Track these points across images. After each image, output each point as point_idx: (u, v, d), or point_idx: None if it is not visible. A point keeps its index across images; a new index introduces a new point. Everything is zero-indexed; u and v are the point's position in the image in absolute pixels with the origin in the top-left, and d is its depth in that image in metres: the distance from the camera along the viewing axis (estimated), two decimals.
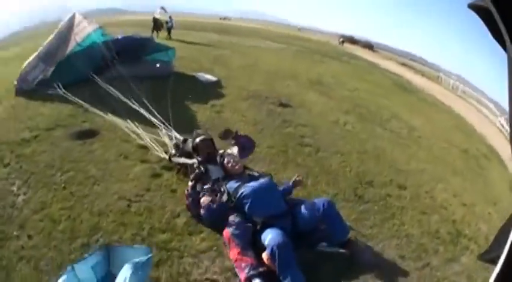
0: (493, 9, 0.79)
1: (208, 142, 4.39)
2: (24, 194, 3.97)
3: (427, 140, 9.25)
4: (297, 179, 3.92)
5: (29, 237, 3.28)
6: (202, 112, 7.16)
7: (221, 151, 4.36)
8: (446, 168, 7.28)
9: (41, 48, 7.87)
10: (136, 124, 5.53)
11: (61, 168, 4.53)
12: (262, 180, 3.56)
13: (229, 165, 3.93)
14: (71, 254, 3.03)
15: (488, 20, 0.83)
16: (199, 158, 4.22)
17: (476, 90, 24.73)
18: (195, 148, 4.33)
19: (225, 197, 3.55)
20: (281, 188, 3.75)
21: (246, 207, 3.32)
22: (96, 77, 7.00)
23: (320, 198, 3.61)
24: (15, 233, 3.32)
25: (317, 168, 5.38)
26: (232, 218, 3.32)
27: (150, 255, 2.41)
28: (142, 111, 5.85)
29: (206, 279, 3.05)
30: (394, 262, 3.60)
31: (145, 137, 5.19)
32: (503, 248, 0.85)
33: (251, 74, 11.45)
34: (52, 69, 7.59)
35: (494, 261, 0.93)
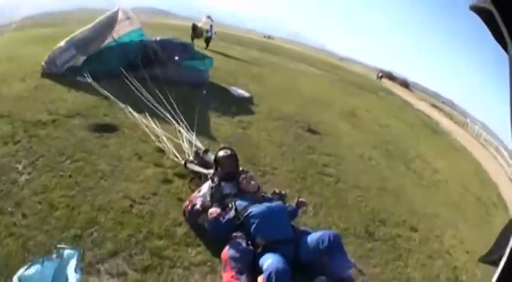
0: (494, 11, 0.82)
1: (233, 159, 4.32)
2: (29, 174, 4.08)
3: (447, 184, 9.22)
4: (300, 199, 3.95)
5: (24, 216, 3.37)
6: (227, 126, 7.26)
7: (244, 169, 4.36)
8: (458, 215, 7.27)
9: (74, 34, 8.20)
10: (158, 125, 5.66)
11: (71, 157, 4.62)
12: (273, 203, 3.64)
13: (244, 182, 3.94)
14: (62, 242, 3.00)
15: (489, 21, 0.85)
16: (218, 171, 4.23)
17: (496, 138, 25.08)
18: (217, 161, 4.26)
19: (232, 213, 3.53)
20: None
21: (252, 227, 3.36)
22: (127, 74, 7.16)
23: (328, 230, 3.58)
24: (10, 209, 3.42)
25: (333, 199, 5.34)
26: (235, 238, 3.32)
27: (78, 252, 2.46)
28: (167, 114, 5.98)
29: None
30: None
31: (164, 139, 5.28)
32: (504, 249, 0.86)
33: (286, 96, 11.65)
34: (84, 58, 7.93)
35: (495, 263, 0.95)
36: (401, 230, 5.12)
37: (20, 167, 4.17)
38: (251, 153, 6.17)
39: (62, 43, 7.92)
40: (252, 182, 3.95)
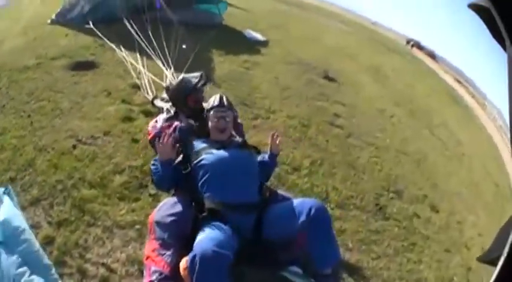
0: (493, 9, 0.77)
1: (201, 92, 3.01)
2: None
3: (470, 159, 7.22)
4: (275, 136, 2.42)
5: None
6: (227, 64, 6.18)
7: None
8: (479, 198, 5.51)
9: None
10: (145, 63, 4.64)
11: (38, 97, 3.99)
12: (234, 151, 2.26)
13: (213, 124, 2.42)
14: None
15: (488, 20, 0.80)
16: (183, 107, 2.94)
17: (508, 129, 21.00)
18: (182, 92, 2.98)
19: (179, 157, 2.31)
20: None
21: (200, 181, 2.12)
22: (132, 17, 6.12)
23: (310, 199, 2.14)
24: None
25: (339, 156, 4.14)
26: (174, 195, 2.23)
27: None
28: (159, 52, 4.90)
29: (102, 264, 2.13)
30: None
31: (144, 76, 4.30)
32: (503, 248, 0.82)
33: (307, 44, 9.92)
34: (89, 6, 7.12)
35: (494, 263, 0.88)
36: (420, 208, 3.71)
37: None
38: (246, 93, 5.13)
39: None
40: (224, 129, 2.41)
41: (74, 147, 3.13)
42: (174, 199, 2.11)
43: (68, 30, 6.38)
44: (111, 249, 2.22)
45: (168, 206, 2.04)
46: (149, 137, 2.68)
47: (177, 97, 2.94)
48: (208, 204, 2.00)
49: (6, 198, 2.20)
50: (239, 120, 2.97)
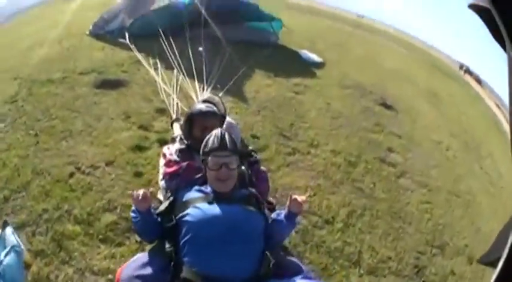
0: (493, 10, 0.83)
1: (210, 117, 2.87)
2: (6, 132, 4.02)
3: (507, 193, 6.56)
4: (293, 197, 2.19)
5: None
6: (275, 87, 6.41)
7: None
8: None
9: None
10: (179, 82, 4.91)
11: (52, 115, 4.41)
12: (232, 208, 2.13)
13: (212, 173, 2.24)
14: None
15: (488, 20, 0.87)
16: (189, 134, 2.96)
17: None
18: (188, 118, 2.94)
19: (164, 205, 2.29)
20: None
21: (181, 240, 2.05)
22: (176, 34, 6.50)
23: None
24: None
25: (385, 203, 4.01)
26: (143, 255, 2.09)
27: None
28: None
29: None
30: None
31: (174, 98, 4.44)
32: (503, 250, 0.87)
33: (365, 65, 10.19)
34: (131, 21, 7.81)
35: (493, 264, 1.00)
36: (457, 263, 3.53)
37: (2, 125, 4.10)
38: (289, 122, 5.20)
39: (111, 8, 8.11)
40: (225, 180, 2.22)
41: (71, 175, 3.38)
42: (148, 256, 2.03)
43: (106, 44, 7.03)
44: None
45: (138, 264, 1.95)
46: (168, 170, 2.64)
47: (184, 125, 2.98)
48: (185, 272, 1.92)
49: (12, 256, 2.24)
50: (262, 168, 2.87)
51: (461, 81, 17.67)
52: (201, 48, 5.58)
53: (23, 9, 9.62)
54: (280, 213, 2.26)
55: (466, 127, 9.09)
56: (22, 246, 2.36)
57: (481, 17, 0.90)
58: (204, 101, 3.17)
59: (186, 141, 2.91)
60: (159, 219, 2.18)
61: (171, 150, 2.80)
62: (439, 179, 5.10)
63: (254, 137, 4.54)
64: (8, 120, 4.20)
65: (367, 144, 5.25)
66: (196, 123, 2.82)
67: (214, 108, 2.95)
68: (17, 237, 2.35)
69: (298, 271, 2.02)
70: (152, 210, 2.16)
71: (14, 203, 2.97)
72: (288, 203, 2.19)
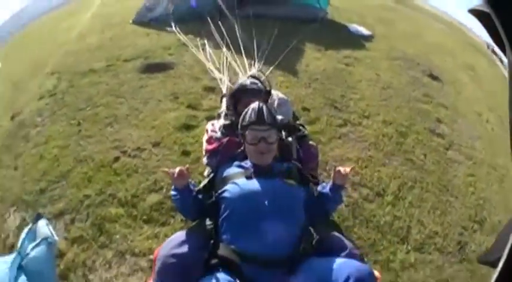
0: (493, 14, 0.84)
1: (253, 93, 2.65)
2: (43, 126, 4.02)
3: None
4: (337, 169, 2.03)
5: (15, 168, 3.37)
6: (325, 60, 6.17)
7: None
8: None
9: None
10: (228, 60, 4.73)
11: (96, 103, 4.34)
12: (271, 183, 1.97)
13: (251, 147, 2.08)
14: (30, 194, 2.95)
15: (489, 25, 0.88)
16: (233, 113, 2.76)
17: None
18: (232, 94, 2.77)
19: (203, 183, 2.18)
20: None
21: (220, 217, 1.92)
22: (221, 14, 6.33)
23: (356, 263, 1.67)
24: (8, 162, 3.48)
25: (435, 175, 3.79)
26: (182, 233, 1.91)
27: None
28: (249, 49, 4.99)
29: None
30: None
31: (225, 74, 4.25)
32: (503, 250, 0.87)
33: (412, 39, 9.98)
34: (174, 4, 7.66)
35: (493, 265, 1.00)
36: (491, 241, 3.23)
37: (39, 120, 4.11)
38: (340, 94, 5.01)
39: None
40: (264, 152, 2.06)
41: (116, 159, 3.25)
42: (187, 234, 1.87)
43: (150, 30, 6.95)
44: (115, 276, 2.28)
45: (176, 242, 1.81)
46: (208, 147, 2.50)
47: (228, 101, 2.82)
48: (221, 249, 1.79)
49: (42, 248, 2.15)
50: (311, 142, 2.64)
51: (491, 60, 17.50)
52: (205, 42, 5.32)
53: (51, 6, 9.86)
54: (325, 186, 2.11)
55: (499, 103, 8.59)
56: (55, 237, 2.19)
57: (481, 21, 0.93)
58: (249, 77, 2.98)
59: (230, 117, 2.72)
60: (199, 196, 2.04)
61: (214, 127, 2.64)
62: (482, 152, 4.93)
63: (305, 109, 4.37)
64: (45, 114, 4.18)
65: (417, 115, 5.06)
66: (240, 99, 2.65)
67: (259, 84, 2.77)
68: (51, 229, 2.20)
69: (342, 248, 1.87)
70: (192, 187, 2.02)
71: (52, 193, 2.91)
72: (332, 174, 2.06)
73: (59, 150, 3.42)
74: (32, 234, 2.17)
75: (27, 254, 1.98)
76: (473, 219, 3.40)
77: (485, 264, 2.94)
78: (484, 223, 3.45)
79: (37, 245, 2.05)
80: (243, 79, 2.94)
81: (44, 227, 2.22)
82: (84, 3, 9.87)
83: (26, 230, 2.19)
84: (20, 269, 1.94)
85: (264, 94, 2.73)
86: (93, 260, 2.34)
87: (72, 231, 2.54)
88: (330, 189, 2.05)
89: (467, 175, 4.12)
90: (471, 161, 4.45)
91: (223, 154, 2.30)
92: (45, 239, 2.11)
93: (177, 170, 1.93)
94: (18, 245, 2.10)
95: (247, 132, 2.09)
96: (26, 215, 2.74)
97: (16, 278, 1.92)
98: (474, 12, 0.94)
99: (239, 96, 2.68)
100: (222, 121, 2.75)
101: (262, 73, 3.22)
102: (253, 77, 2.94)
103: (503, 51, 0.88)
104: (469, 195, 3.76)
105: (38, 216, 2.32)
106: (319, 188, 2.12)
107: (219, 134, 2.53)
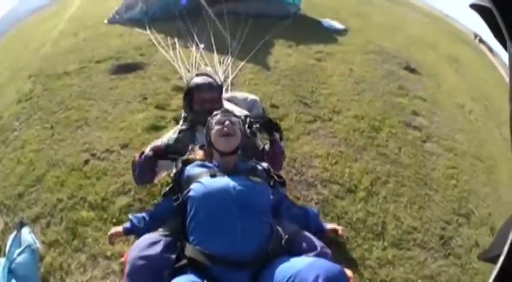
0: (494, 9, 0.87)
1: (207, 90, 2.79)
2: (20, 130, 4.09)
3: None
4: (336, 229, 2.40)
5: None
6: (295, 56, 6.21)
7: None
8: None
9: None
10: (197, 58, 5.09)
11: (67, 106, 4.43)
12: (236, 180, 1.99)
13: (215, 132, 2.18)
14: (8, 200, 3.01)
15: (489, 20, 0.91)
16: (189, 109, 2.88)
17: None
18: (186, 93, 2.85)
19: (169, 186, 2.26)
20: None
21: (187, 218, 1.93)
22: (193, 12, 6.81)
23: (323, 262, 1.67)
24: None
25: (411, 169, 3.77)
26: (150, 236, 1.93)
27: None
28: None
29: None
30: None
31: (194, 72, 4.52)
32: (503, 247, 0.90)
33: (389, 32, 9.98)
34: (149, 4, 7.81)
35: (493, 261, 0.98)
36: (482, 232, 3.28)
37: (17, 124, 4.19)
38: (310, 90, 5.02)
39: None
40: (228, 138, 2.15)
41: (86, 162, 3.35)
42: (155, 236, 1.90)
43: (123, 30, 7.01)
44: (89, 279, 2.33)
45: (145, 244, 1.84)
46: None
47: (183, 100, 2.88)
48: (189, 251, 1.79)
49: (26, 255, 2.26)
50: (281, 143, 2.61)
51: (478, 50, 17.60)
52: (202, 45, 5.60)
53: (36, 8, 9.81)
54: (316, 215, 2.36)
55: (485, 93, 8.75)
56: (37, 245, 2.33)
57: (482, 16, 0.95)
58: (198, 74, 3.02)
59: (186, 115, 2.88)
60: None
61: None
62: (464, 143, 4.90)
63: (273, 106, 4.40)
64: (22, 118, 4.26)
65: (391, 108, 5.04)
66: (195, 97, 2.76)
67: (209, 79, 2.86)
68: (33, 236, 2.34)
69: (312, 247, 1.92)
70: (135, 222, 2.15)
71: (29, 197, 3.01)
72: (330, 228, 2.37)
73: (34, 154, 3.52)
74: (17, 241, 2.30)
75: (14, 259, 2.13)
76: (457, 213, 3.39)
77: (486, 260, 3.01)
78: (470, 216, 3.44)
79: (22, 252, 2.19)
80: (194, 77, 2.97)
81: (27, 235, 2.36)
82: (65, 5, 9.78)
83: (12, 236, 2.31)
84: (10, 273, 2.07)
85: (216, 88, 2.84)
86: (68, 264, 2.42)
87: (48, 235, 2.61)
88: (317, 226, 2.26)
89: (447, 167, 4.11)
90: (451, 153, 4.44)
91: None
92: (29, 246, 2.25)
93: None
94: (6, 250, 2.23)
95: (213, 121, 2.20)
96: (8, 219, 2.81)
97: (9, 280, 2.07)
98: (475, 7, 0.96)
99: (192, 95, 2.78)
100: (179, 125, 2.91)
101: (210, 68, 3.36)
102: (202, 74, 3.00)
103: (504, 45, 0.89)
104: (450, 188, 3.76)
105: (22, 224, 2.44)
106: (295, 209, 2.27)
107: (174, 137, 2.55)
